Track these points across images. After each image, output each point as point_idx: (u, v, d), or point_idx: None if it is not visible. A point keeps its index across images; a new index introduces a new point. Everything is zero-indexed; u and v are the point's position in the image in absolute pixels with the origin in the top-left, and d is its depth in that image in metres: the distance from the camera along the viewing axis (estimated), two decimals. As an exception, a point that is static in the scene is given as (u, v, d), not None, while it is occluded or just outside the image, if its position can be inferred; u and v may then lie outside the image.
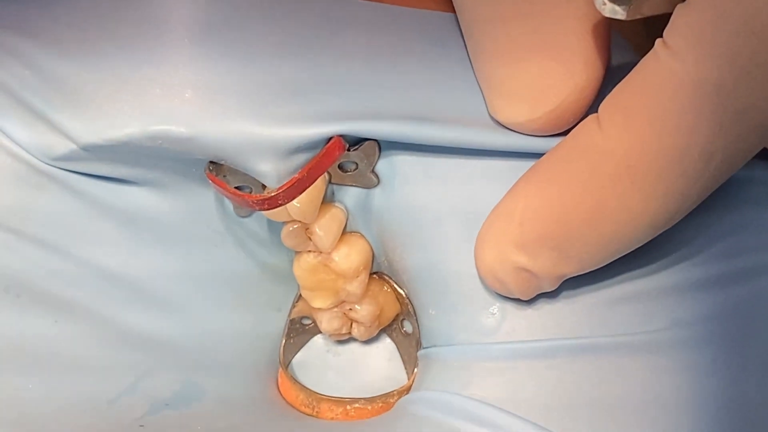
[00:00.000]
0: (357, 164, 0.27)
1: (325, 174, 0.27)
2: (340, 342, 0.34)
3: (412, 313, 0.30)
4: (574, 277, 0.24)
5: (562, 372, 0.24)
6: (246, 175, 0.27)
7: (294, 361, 0.34)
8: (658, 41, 0.21)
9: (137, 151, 0.26)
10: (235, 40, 0.27)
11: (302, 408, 0.31)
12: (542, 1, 0.24)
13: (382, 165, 0.27)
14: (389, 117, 0.26)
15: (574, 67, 0.24)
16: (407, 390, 0.30)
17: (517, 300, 0.25)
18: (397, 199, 0.27)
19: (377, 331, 0.32)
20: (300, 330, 0.33)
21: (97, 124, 0.26)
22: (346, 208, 0.29)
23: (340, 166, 0.28)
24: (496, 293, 0.26)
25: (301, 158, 0.26)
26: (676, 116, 0.21)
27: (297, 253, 0.30)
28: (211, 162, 0.27)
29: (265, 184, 0.26)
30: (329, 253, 0.29)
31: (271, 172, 0.26)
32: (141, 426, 0.27)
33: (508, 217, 0.24)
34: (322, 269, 0.30)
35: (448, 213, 0.27)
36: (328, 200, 0.29)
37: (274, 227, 0.30)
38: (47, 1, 0.28)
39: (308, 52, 0.27)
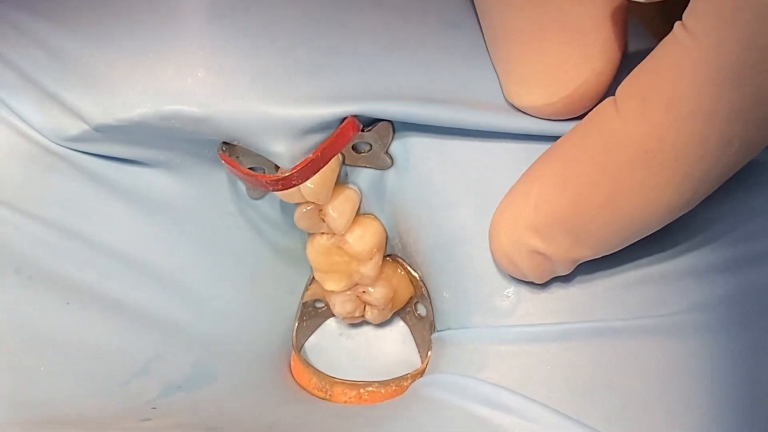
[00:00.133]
0: (371, 145, 0.27)
1: (339, 155, 0.27)
2: (354, 325, 0.34)
3: (426, 295, 0.30)
4: (589, 260, 0.24)
5: (577, 355, 0.24)
6: (259, 155, 0.26)
7: (307, 344, 0.34)
8: (677, 24, 0.21)
9: (150, 132, 0.26)
10: (249, 19, 0.26)
11: (315, 391, 0.31)
12: None
13: (396, 146, 0.27)
14: (403, 98, 0.25)
15: (591, 52, 0.24)
16: (421, 373, 0.30)
17: (532, 283, 0.25)
18: (412, 181, 0.27)
19: (391, 314, 0.32)
20: (313, 313, 0.33)
21: (110, 104, 0.26)
22: (359, 189, 0.29)
23: (353, 147, 0.27)
24: (511, 276, 0.25)
25: (315, 138, 0.26)
26: (695, 101, 0.20)
27: (310, 235, 0.30)
28: (224, 143, 0.27)
29: (279, 164, 0.26)
30: (343, 235, 0.29)
31: (285, 152, 0.25)
32: (153, 408, 0.27)
33: (523, 200, 0.24)
34: (336, 251, 0.30)
35: (463, 195, 0.26)
36: (341, 182, 0.29)
37: (287, 209, 0.30)
38: (59, -20, 0.28)
39: (322, 32, 0.26)
